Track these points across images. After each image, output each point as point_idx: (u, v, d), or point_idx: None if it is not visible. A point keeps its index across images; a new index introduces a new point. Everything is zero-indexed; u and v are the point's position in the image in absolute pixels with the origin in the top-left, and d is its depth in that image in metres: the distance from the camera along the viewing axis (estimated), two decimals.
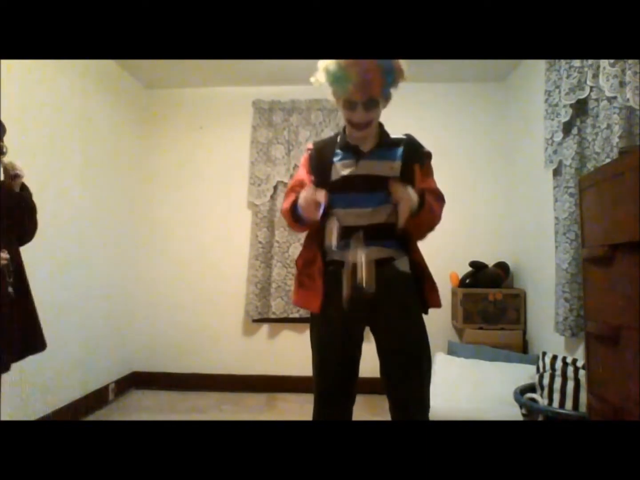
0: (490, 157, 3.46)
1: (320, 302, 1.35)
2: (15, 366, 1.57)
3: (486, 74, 3.39)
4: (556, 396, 2.05)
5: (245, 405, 3.06)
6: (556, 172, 2.45)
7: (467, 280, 3.12)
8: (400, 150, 1.40)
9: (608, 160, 1.91)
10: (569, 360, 2.08)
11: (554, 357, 2.15)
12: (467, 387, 2.46)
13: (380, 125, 1.44)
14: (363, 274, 1.22)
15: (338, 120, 3.43)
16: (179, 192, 3.58)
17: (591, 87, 2.13)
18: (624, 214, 1.30)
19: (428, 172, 1.44)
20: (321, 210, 1.27)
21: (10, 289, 1.45)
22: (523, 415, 2.20)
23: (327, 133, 3.33)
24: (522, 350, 2.95)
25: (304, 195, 1.29)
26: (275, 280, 3.36)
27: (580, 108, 2.24)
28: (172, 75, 3.43)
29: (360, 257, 1.24)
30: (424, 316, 1.41)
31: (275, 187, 3.45)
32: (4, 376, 1.54)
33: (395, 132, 1.47)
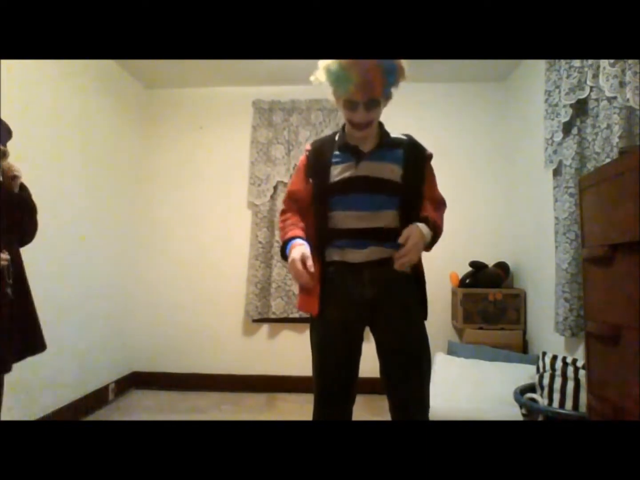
0: (490, 157, 3.46)
1: (319, 305, 1.35)
2: (15, 366, 1.57)
3: (486, 74, 3.39)
4: (556, 396, 2.05)
5: (245, 405, 3.06)
6: (556, 172, 2.45)
7: (467, 280, 3.12)
8: (400, 152, 1.39)
9: (608, 160, 1.91)
10: (569, 360, 2.08)
11: (554, 357, 2.15)
12: (467, 387, 2.46)
13: (381, 125, 1.43)
14: None
15: (338, 120, 3.43)
16: (179, 192, 3.58)
17: (591, 87, 2.13)
18: (624, 214, 1.30)
19: (430, 176, 1.44)
20: (312, 281, 1.29)
21: (9, 290, 1.45)
22: (523, 415, 2.20)
23: (327, 133, 3.33)
24: (522, 350, 2.95)
25: (293, 269, 1.27)
26: (275, 280, 3.36)
27: (580, 108, 2.24)
28: (172, 75, 3.43)
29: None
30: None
31: (275, 187, 3.45)
32: (5, 376, 1.54)
33: (395, 131, 1.46)
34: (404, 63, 1.29)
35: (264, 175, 3.48)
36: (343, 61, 1.22)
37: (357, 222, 1.34)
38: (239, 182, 3.54)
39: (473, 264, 3.12)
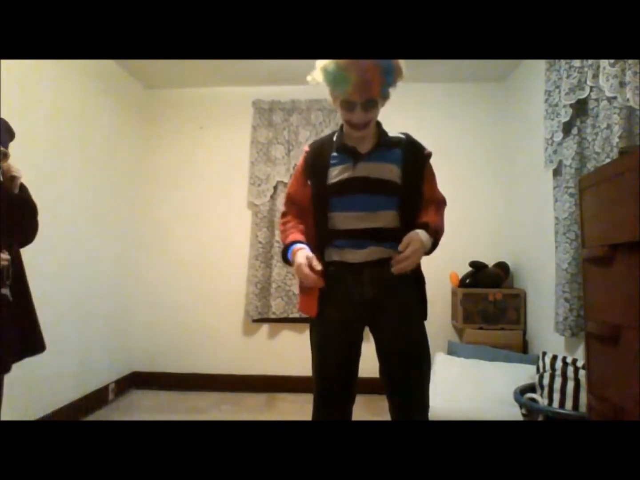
0: (490, 157, 3.46)
1: (317, 306, 1.35)
2: (15, 366, 1.57)
3: (486, 74, 3.39)
4: (556, 396, 2.04)
5: (245, 405, 3.06)
6: (556, 172, 2.45)
7: (467, 280, 3.12)
8: (399, 151, 1.38)
9: (608, 160, 1.91)
10: (569, 360, 2.08)
11: (554, 357, 2.15)
12: (467, 387, 2.46)
13: (378, 125, 1.42)
14: None
15: (338, 120, 3.43)
16: (179, 192, 3.58)
17: (591, 87, 2.13)
18: (624, 214, 1.30)
19: (430, 175, 1.43)
20: (321, 281, 1.29)
21: (7, 291, 1.45)
22: (523, 415, 2.20)
23: (327, 133, 3.33)
24: (522, 350, 2.95)
25: (301, 273, 1.28)
26: (275, 280, 3.36)
27: (580, 108, 2.24)
28: (172, 75, 3.43)
29: None
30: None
31: (275, 187, 3.45)
32: (5, 376, 1.54)
33: (394, 130, 1.46)
34: (402, 63, 1.29)
35: (264, 175, 3.48)
36: (340, 61, 1.22)
37: (356, 222, 1.34)
38: (239, 182, 3.54)
39: (473, 264, 3.12)
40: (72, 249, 2.71)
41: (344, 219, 1.36)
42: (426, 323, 1.39)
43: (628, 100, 1.73)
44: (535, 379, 2.23)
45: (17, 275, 1.49)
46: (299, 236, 1.39)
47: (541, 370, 2.19)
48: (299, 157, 1.50)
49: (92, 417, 2.79)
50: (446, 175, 3.14)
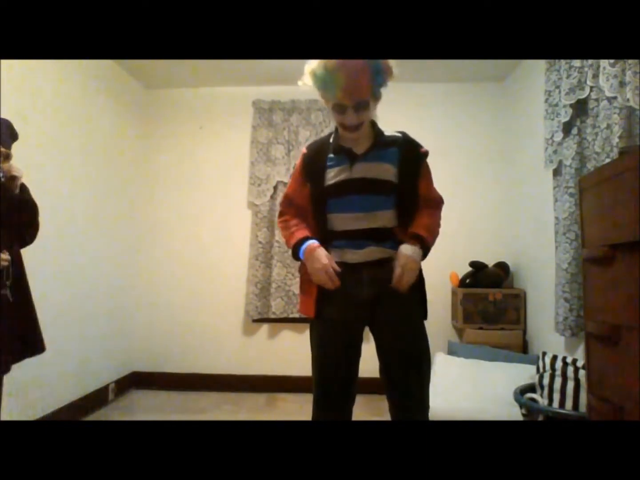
0: (490, 157, 3.46)
1: (315, 307, 1.36)
2: (15, 366, 1.57)
3: (486, 74, 3.39)
4: (556, 396, 2.04)
5: (245, 405, 3.06)
6: (556, 172, 2.45)
7: (467, 280, 3.12)
8: (395, 150, 1.38)
9: (608, 160, 1.91)
10: (569, 360, 2.08)
11: (554, 357, 2.15)
12: (467, 387, 2.46)
13: (373, 124, 1.42)
14: None
15: None
16: (179, 192, 3.58)
17: (591, 87, 2.13)
18: (624, 214, 1.30)
19: (426, 174, 1.43)
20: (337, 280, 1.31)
21: (7, 291, 1.45)
22: (523, 415, 2.20)
23: (327, 133, 3.34)
24: (522, 350, 2.95)
25: (325, 275, 1.30)
26: (275, 280, 3.36)
27: (580, 108, 2.24)
28: (172, 75, 3.43)
29: None
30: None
31: (275, 187, 3.45)
32: (4, 377, 1.54)
33: (390, 129, 1.45)
34: (392, 62, 1.28)
35: (264, 175, 3.48)
36: (329, 64, 1.20)
37: (355, 223, 1.35)
38: (239, 182, 3.54)
39: (473, 264, 3.12)
40: (72, 248, 2.71)
41: (342, 220, 1.36)
42: (426, 323, 1.39)
43: (628, 100, 1.73)
44: (535, 379, 2.23)
45: (17, 275, 1.49)
46: (308, 232, 1.39)
47: (541, 370, 2.19)
48: (298, 158, 1.49)
49: (92, 417, 2.79)
50: (446, 175, 3.15)
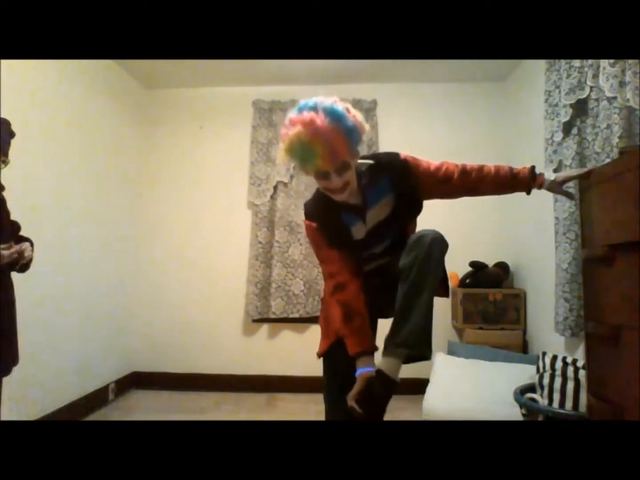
0: (490, 157, 3.43)
1: (327, 348, 1.45)
2: (15, 366, 1.57)
3: (486, 74, 3.39)
4: (556, 396, 2.04)
5: (245, 405, 3.06)
6: (556, 172, 2.45)
7: (467, 280, 3.12)
8: (384, 181, 1.38)
9: (608, 160, 1.90)
10: (569, 360, 2.08)
11: (554, 357, 2.15)
12: (467, 387, 2.46)
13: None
14: None
15: None
16: (179, 192, 3.58)
17: (591, 87, 2.12)
18: (624, 214, 1.30)
19: (423, 175, 1.41)
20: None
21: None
22: (523, 415, 2.20)
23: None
24: (522, 350, 2.95)
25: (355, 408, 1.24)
26: (275, 280, 3.36)
27: (580, 108, 2.24)
28: (172, 75, 3.43)
29: None
30: None
31: (275, 187, 3.45)
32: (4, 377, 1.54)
33: (364, 153, 1.45)
34: (359, 117, 1.26)
35: (264, 175, 3.48)
36: (302, 138, 1.17)
37: (374, 263, 1.46)
38: (239, 182, 3.54)
39: (473, 264, 3.12)
40: (72, 248, 2.71)
41: (365, 264, 1.46)
42: None
43: (628, 100, 1.73)
44: (535, 379, 2.22)
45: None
46: (371, 345, 1.36)
47: (541, 370, 2.19)
48: (307, 232, 1.48)
49: (92, 417, 2.79)
50: None
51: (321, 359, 1.50)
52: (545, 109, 2.52)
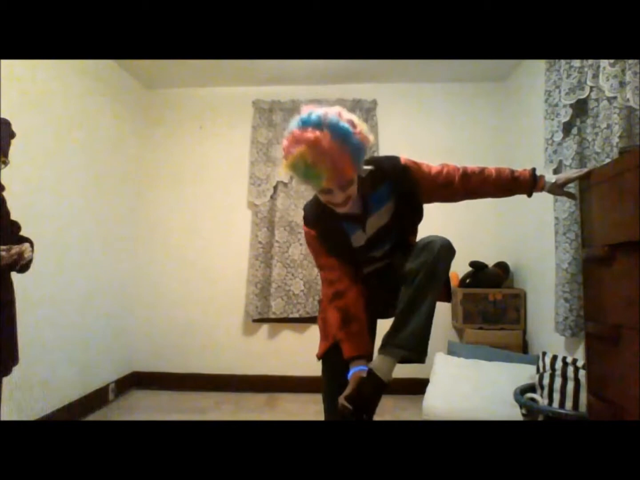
0: (491, 157, 3.45)
1: (326, 350, 1.44)
2: (15, 366, 1.57)
3: (486, 74, 3.39)
4: (556, 396, 2.04)
5: (245, 405, 3.06)
6: (556, 172, 2.45)
7: (467, 280, 3.12)
8: (385, 187, 1.36)
9: (608, 160, 1.90)
10: (569, 360, 2.08)
11: (554, 357, 2.15)
12: (467, 387, 2.46)
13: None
14: None
15: None
16: (178, 192, 3.58)
17: (591, 87, 2.12)
18: (624, 214, 1.30)
19: (422, 179, 1.39)
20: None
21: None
22: (523, 415, 2.20)
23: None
24: (522, 350, 2.95)
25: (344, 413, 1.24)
26: (275, 280, 3.36)
27: (580, 108, 2.24)
28: (172, 75, 3.43)
29: None
30: None
31: (275, 187, 3.45)
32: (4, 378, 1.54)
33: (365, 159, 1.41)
34: (364, 129, 1.21)
35: (264, 175, 3.48)
36: (307, 159, 1.13)
37: (373, 265, 1.45)
38: (239, 182, 3.54)
39: (473, 264, 3.12)
40: (72, 248, 2.71)
41: (365, 267, 1.46)
42: None
43: (628, 100, 1.73)
44: (535, 379, 2.22)
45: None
46: (364, 351, 1.36)
47: (541, 370, 2.19)
48: (306, 237, 1.48)
49: (92, 417, 2.79)
50: None
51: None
52: (545, 109, 2.52)
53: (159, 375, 3.43)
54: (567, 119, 2.27)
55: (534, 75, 2.90)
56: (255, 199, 3.46)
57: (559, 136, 2.38)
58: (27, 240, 1.58)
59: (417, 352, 1.23)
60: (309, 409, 2.87)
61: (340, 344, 1.35)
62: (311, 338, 3.25)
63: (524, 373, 2.46)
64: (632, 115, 1.80)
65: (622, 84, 1.81)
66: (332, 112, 1.16)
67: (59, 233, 2.57)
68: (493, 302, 3.01)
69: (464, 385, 2.48)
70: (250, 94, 3.57)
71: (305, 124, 1.14)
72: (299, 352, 3.35)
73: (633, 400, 1.26)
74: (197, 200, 3.57)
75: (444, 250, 1.26)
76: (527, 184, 1.47)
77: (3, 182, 1.55)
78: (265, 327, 3.46)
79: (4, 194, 1.57)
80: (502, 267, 3.17)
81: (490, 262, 3.19)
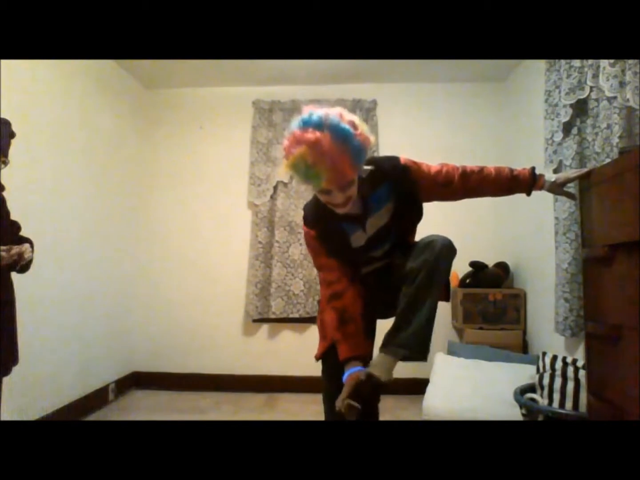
0: (490, 157, 3.45)
1: (325, 351, 1.45)
2: (15, 366, 1.57)
3: (486, 74, 3.38)
4: (556, 396, 2.04)
5: (245, 406, 3.06)
6: (556, 172, 2.44)
7: (467, 280, 3.12)
8: (385, 188, 1.36)
9: (608, 160, 1.90)
10: (569, 360, 2.08)
11: (554, 357, 2.15)
12: (467, 387, 2.46)
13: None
14: None
15: None
16: (179, 192, 3.58)
17: (591, 87, 2.12)
18: (624, 214, 1.30)
19: (422, 179, 1.39)
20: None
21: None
22: (523, 415, 2.20)
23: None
24: (522, 350, 2.95)
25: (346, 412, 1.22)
26: (275, 280, 3.36)
27: (580, 108, 2.24)
28: (172, 75, 3.43)
29: None
30: None
31: (275, 187, 3.45)
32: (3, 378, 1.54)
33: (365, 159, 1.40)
34: (365, 130, 1.21)
35: (264, 175, 3.48)
36: (308, 160, 1.12)
37: (373, 265, 1.46)
38: (239, 182, 3.54)
39: (473, 264, 3.12)
40: (72, 248, 2.71)
41: (364, 267, 1.47)
42: None
43: (628, 100, 1.73)
44: (535, 379, 2.22)
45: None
46: (361, 351, 1.35)
47: (541, 370, 2.19)
48: (306, 237, 1.47)
49: (92, 417, 2.79)
50: None
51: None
52: (545, 109, 2.52)
53: (158, 376, 3.43)
54: (567, 119, 2.27)
55: (534, 75, 2.90)
56: (255, 199, 3.46)
57: (559, 136, 2.38)
58: (27, 240, 1.59)
59: (419, 351, 1.24)
60: (308, 409, 2.87)
61: (336, 344, 1.36)
62: (311, 338, 3.25)
63: (524, 373, 2.46)
64: (632, 115, 1.80)
65: (622, 84, 1.81)
66: (334, 113, 1.16)
67: (59, 233, 2.56)
68: (493, 302, 3.01)
69: (464, 385, 2.48)
70: (250, 94, 3.57)
71: (306, 124, 1.14)
72: (299, 352, 3.35)
73: (633, 401, 1.26)
74: (197, 200, 3.57)
75: (446, 250, 1.26)
76: (527, 182, 1.47)
77: (3, 182, 1.55)
78: (265, 327, 3.46)
79: (4, 194, 1.57)
80: (502, 267, 3.17)
81: (490, 262, 3.19)
